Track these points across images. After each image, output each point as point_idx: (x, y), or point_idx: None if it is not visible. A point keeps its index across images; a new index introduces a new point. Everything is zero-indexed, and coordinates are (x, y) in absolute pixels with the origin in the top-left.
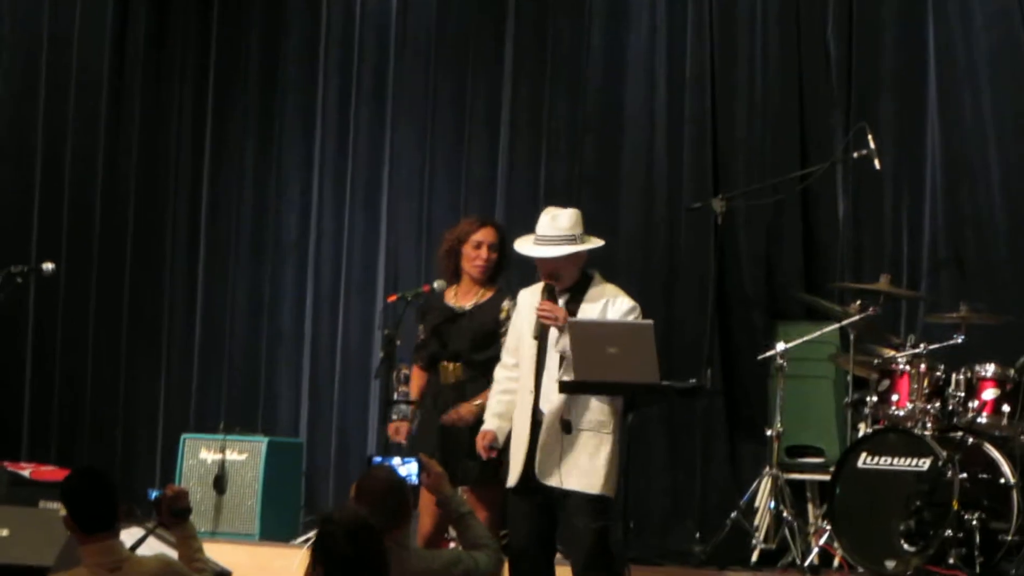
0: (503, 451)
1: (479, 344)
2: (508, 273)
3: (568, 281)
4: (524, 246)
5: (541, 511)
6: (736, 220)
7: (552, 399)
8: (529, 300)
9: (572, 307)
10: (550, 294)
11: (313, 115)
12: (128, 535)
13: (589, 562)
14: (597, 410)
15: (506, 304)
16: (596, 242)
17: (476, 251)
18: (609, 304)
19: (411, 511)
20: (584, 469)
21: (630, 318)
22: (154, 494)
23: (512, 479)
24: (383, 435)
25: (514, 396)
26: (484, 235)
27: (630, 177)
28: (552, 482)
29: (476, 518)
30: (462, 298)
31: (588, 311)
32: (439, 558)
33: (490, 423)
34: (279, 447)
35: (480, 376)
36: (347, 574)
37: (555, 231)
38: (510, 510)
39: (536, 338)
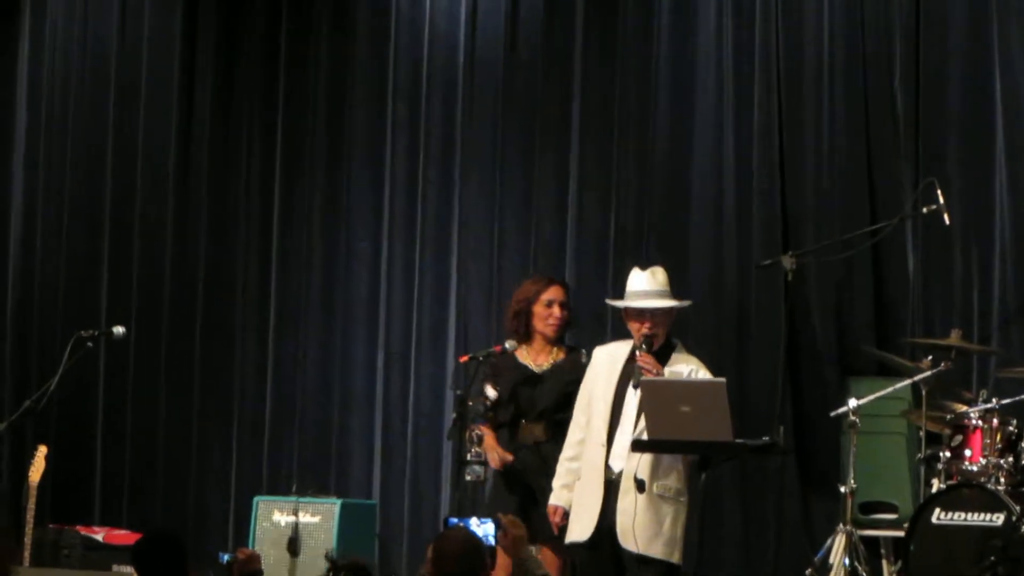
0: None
1: (563, 403)
2: (577, 328)
3: (662, 338)
4: (631, 301)
5: (614, 567)
6: (806, 276)
7: (623, 456)
8: (605, 358)
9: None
10: (649, 347)
11: (381, 174)
12: None
13: None
14: (674, 476)
15: (585, 359)
16: (686, 301)
17: (548, 310)
18: (692, 375)
19: (488, 573)
20: (667, 537)
21: None
22: (226, 557)
23: (583, 534)
24: (457, 495)
25: (580, 462)
26: (554, 293)
27: (699, 235)
28: (630, 546)
29: None
30: (537, 358)
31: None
32: None
33: (559, 497)
34: (352, 509)
35: (560, 435)
36: None
37: (657, 285)
38: (583, 564)
39: (636, 387)
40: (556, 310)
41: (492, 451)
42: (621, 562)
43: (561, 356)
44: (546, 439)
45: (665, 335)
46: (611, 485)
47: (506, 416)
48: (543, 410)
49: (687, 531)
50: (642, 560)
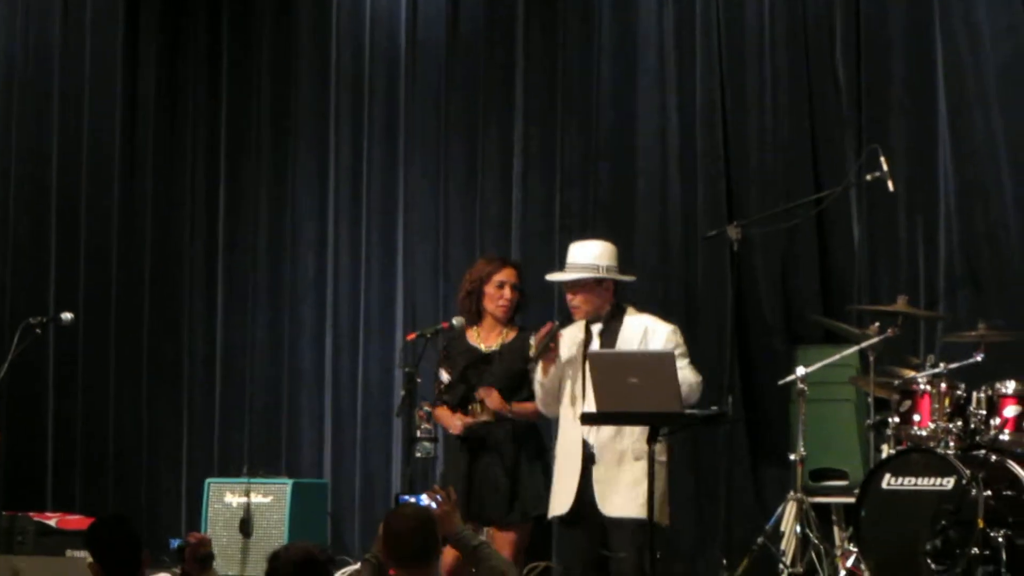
0: (521, 491)
1: (512, 385)
2: (525, 311)
3: (587, 311)
4: (554, 274)
5: (593, 540)
6: (752, 246)
7: (600, 429)
8: (567, 339)
9: (606, 340)
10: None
11: (326, 157)
12: None
13: None
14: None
15: (533, 340)
16: (619, 276)
17: (499, 291)
18: (649, 334)
19: (439, 549)
20: (641, 497)
21: (672, 340)
22: (176, 543)
23: (562, 507)
24: (407, 473)
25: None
26: (506, 275)
27: (645, 208)
28: (609, 510)
29: (490, 547)
30: (486, 339)
31: (627, 342)
32: None
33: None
34: (304, 488)
35: (509, 416)
36: None
37: (576, 258)
38: (562, 540)
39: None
40: (507, 291)
41: (449, 419)
42: (603, 535)
43: (511, 336)
44: (495, 419)
45: (596, 306)
46: (589, 459)
47: (455, 397)
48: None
49: (666, 489)
50: (624, 523)
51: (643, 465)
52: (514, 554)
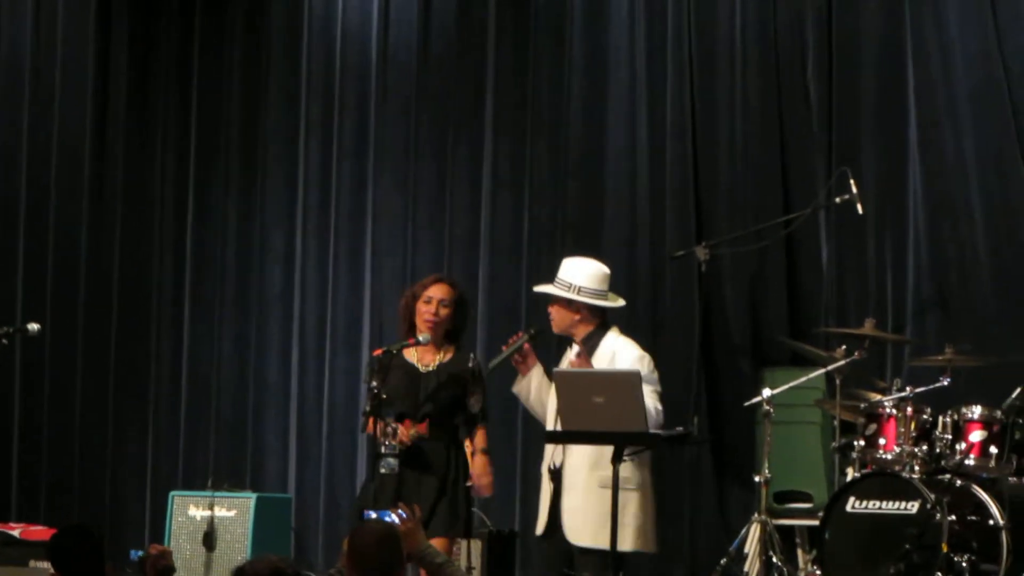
0: (440, 509)
1: (449, 409)
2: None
3: (559, 326)
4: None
5: (560, 560)
6: (720, 267)
7: (571, 451)
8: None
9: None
10: (532, 338)
11: (295, 171)
12: None
13: None
14: (622, 465)
15: (472, 363)
16: (590, 300)
17: (427, 307)
18: (617, 356)
19: (404, 565)
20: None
21: (637, 368)
22: (137, 555)
23: (539, 527)
24: (372, 488)
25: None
26: (436, 291)
27: (613, 227)
28: (579, 540)
29: (453, 564)
30: (423, 357)
31: (598, 364)
32: None
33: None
34: (268, 503)
35: (442, 435)
36: None
37: (558, 274)
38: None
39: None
40: (433, 307)
41: (379, 430)
42: (570, 556)
43: (448, 356)
44: (428, 438)
45: (571, 325)
46: (556, 478)
47: (390, 413)
48: (428, 412)
49: (644, 517)
50: (588, 551)
51: (621, 495)
52: None
